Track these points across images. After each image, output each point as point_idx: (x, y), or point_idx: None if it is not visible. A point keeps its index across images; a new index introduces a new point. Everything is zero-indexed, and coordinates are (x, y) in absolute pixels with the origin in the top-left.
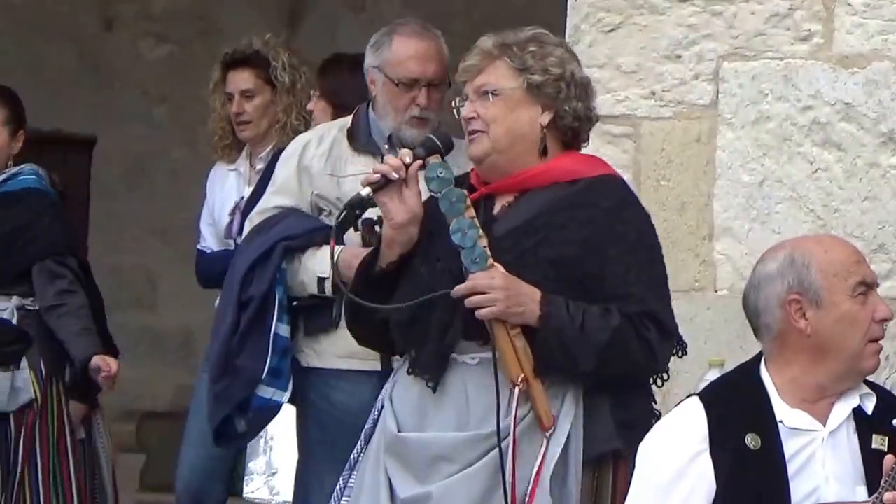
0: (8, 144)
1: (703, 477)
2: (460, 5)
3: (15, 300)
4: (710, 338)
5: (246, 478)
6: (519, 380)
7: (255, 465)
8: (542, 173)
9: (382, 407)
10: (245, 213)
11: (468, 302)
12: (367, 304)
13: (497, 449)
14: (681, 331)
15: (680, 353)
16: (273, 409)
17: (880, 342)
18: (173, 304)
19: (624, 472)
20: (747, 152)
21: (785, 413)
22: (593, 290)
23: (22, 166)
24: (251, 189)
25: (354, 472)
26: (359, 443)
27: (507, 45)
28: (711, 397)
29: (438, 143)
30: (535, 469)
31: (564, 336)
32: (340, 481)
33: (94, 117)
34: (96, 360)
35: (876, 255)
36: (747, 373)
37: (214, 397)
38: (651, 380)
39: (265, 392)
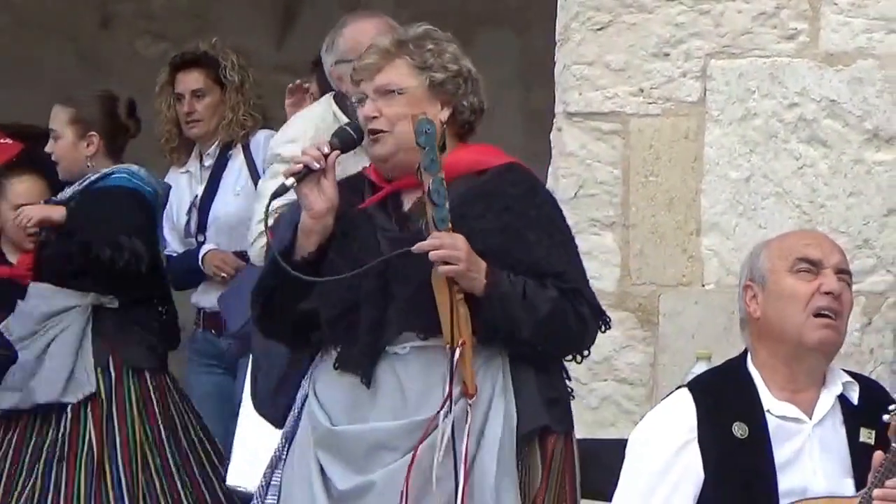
0: (74, 145)
1: (690, 467)
2: (454, 4)
3: (91, 297)
4: (698, 332)
5: (229, 466)
6: (459, 343)
7: (237, 454)
8: (448, 167)
9: (302, 405)
10: (201, 211)
11: (434, 255)
12: (306, 277)
13: (435, 432)
14: (669, 325)
15: (604, 327)
16: None
17: (832, 318)
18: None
19: (563, 449)
20: (734, 149)
21: (772, 403)
22: (522, 274)
23: (117, 167)
24: (203, 186)
25: (277, 471)
26: (279, 441)
27: (404, 43)
28: (700, 388)
29: (353, 132)
30: (465, 440)
31: (509, 303)
32: (262, 479)
33: None
34: None
35: (860, 251)
36: (736, 366)
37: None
38: (571, 357)
39: None
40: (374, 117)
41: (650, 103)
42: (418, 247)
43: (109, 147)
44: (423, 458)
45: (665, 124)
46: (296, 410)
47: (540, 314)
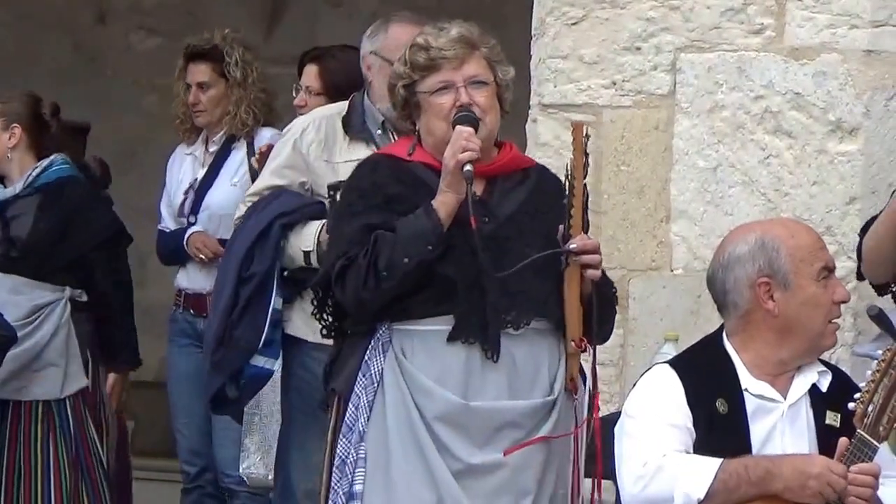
0: None
1: (686, 427)
2: (432, 0)
3: (68, 291)
4: (666, 314)
5: (241, 454)
6: (583, 341)
7: (251, 442)
8: (508, 163)
9: (380, 378)
10: (198, 193)
11: (591, 259)
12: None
13: (553, 413)
14: (639, 308)
15: None
16: (265, 377)
17: (838, 321)
18: (160, 280)
19: None
20: (703, 139)
21: (750, 382)
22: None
23: (52, 157)
24: (205, 170)
25: (363, 444)
26: (360, 415)
27: (479, 38)
28: (682, 365)
29: (476, 116)
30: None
31: (609, 303)
32: (352, 452)
33: (88, 105)
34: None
35: (823, 237)
36: (712, 345)
37: (212, 366)
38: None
39: (258, 361)
40: (470, 105)
41: (622, 95)
42: (581, 247)
43: (31, 141)
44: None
45: (636, 115)
46: (373, 382)
47: (614, 310)
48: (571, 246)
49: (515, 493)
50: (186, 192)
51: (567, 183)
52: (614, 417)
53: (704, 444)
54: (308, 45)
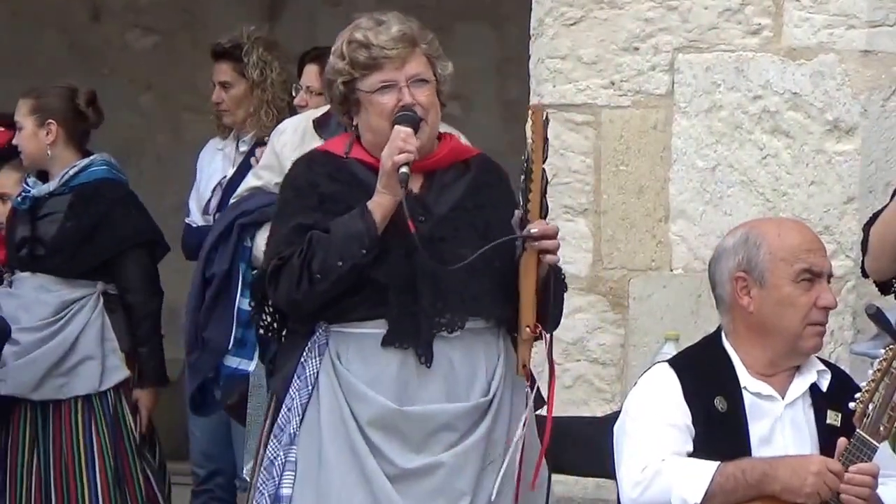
0: (35, 134)
1: (684, 423)
2: (431, 0)
3: (100, 285)
4: (666, 314)
5: (244, 456)
6: (538, 327)
7: (253, 445)
8: (446, 156)
9: (315, 381)
10: (226, 192)
11: (550, 244)
12: (445, 265)
13: (489, 413)
14: (639, 308)
15: None
16: (241, 378)
17: (823, 326)
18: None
19: None
20: (701, 139)
21: (748, 380)
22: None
23: (93, 157)
24: (234, 170)
25: (294, 447)
26: (293, 417)
27: (418, 34)
28: (680, 364)
29: (419, 117)
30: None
31: (559, 290)
32: (281, 455)
33: None
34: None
35: (821, 237)
36: (711, 343)
37: (189, 368)
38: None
39: (231, 362)
40: (414, 105)
41: (621, 95)
42: (541, 231)
43: (69, 135)
44: (485, 439)
45: (635, 115)
46: (307, 386)
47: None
48: (532, 231)
49: (451, 495)
50: (214, 190)
51: (525, 167)
52: (615, 417)
53: (704, 442)
54: (306, 44)
